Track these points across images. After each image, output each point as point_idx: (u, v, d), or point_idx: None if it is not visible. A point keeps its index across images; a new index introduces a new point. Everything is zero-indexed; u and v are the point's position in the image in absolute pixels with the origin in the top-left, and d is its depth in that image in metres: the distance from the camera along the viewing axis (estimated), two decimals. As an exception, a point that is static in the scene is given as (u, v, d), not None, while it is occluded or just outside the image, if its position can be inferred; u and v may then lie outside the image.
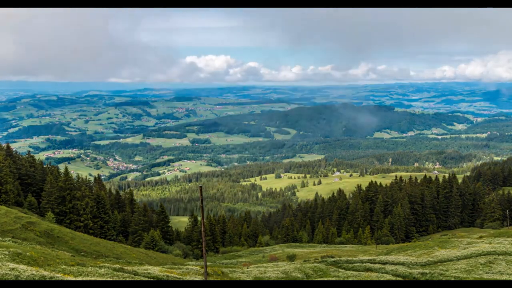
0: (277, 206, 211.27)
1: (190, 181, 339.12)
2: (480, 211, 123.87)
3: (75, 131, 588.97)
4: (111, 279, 20.94)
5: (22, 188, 74.05)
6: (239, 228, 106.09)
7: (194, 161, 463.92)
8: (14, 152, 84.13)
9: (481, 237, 54.98)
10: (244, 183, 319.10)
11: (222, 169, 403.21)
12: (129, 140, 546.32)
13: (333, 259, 37.93)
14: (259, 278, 29.48)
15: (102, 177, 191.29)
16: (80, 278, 19.01)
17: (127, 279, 21.95)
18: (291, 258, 55.22)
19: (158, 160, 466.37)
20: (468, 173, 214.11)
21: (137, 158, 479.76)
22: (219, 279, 26.82)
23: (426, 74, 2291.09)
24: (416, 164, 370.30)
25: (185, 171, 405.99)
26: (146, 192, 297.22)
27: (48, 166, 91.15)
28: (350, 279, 29.20)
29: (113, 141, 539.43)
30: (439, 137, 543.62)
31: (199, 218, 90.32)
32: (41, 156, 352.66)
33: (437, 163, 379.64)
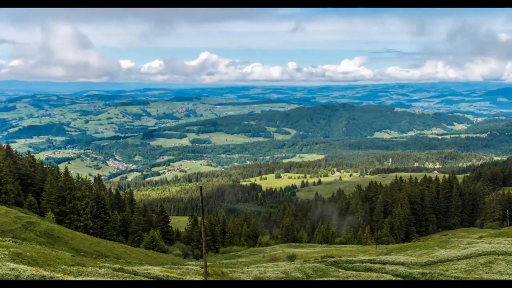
0: (277, 206, 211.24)
1: (190, 181, 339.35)
2: (480, 211, 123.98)
3: (75, 131, 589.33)
4: (111, 279, 20.94)
5: (22, 188, 74.00)
6: (239, 228, 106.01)
7: (194, 161, 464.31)
8: (14, 152, 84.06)
9: (481, 237, 54.97)
10: (244, 183, 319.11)
11: (222, 169, 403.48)
12: (129, 140, 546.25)
13: (333, 259, 37.91)
14: (259, 278, 29.47)
15: (102, 177, 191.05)
16: (80, 278, 19.01)
17: (127, 279, 21.94)
18: (291, 258, 55.11)
19: (158, 160, 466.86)
20: (468, 173, 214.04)
21: (137, 158, 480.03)
22: (219, 279, 26.82)
23: (426, 74, 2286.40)
24: (416, 164, 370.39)
25: (185, 171, 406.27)
26: (146, 192, 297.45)
27: (48, 166, 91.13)
28: (350, 279, 29.19)
29: (113, 141, 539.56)
30: (439, 137, 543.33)
31: (199, 218, 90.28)
32: (41, 156, 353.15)
33: (437, 163, 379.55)
